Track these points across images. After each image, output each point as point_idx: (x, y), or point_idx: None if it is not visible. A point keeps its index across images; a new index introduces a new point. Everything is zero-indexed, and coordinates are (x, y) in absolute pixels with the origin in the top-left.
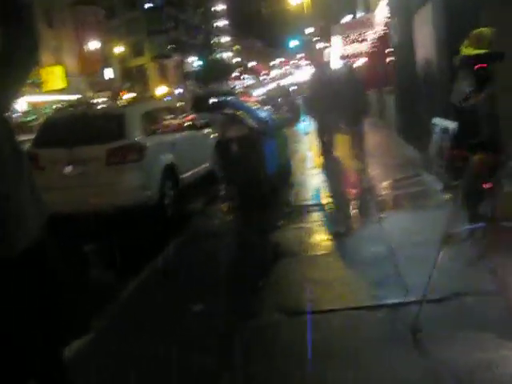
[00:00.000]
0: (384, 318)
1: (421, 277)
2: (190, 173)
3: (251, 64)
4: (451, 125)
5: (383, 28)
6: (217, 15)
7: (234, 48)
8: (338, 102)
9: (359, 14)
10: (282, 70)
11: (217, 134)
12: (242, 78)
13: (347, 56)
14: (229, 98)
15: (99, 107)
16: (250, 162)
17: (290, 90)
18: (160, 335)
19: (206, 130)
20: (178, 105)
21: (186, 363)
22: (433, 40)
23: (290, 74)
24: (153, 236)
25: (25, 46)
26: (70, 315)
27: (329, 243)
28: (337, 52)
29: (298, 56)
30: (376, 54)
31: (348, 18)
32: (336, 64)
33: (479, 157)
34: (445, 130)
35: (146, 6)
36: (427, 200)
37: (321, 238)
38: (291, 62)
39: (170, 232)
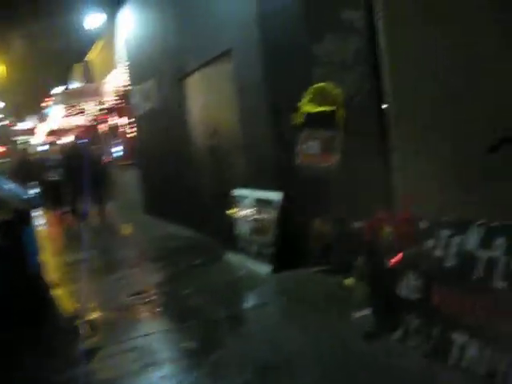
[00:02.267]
0: None
1: None
2: None
3: None
4: (275, 196)
5: (115, 97)
6: None
7: None
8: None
9: (74, 85)
10: None
11: None
12: None
13: (60, 131)
14: None
15: None
16: (17, 256)
17: None
18: None
19: None
20: None
21: None
22: (231, 103)
23: None
24: None
25: None
26: None
27: None
28: (53, 125)
29: None
30: (100, 127)
31: (59, 90)
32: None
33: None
34: (266, 202)
35: None
36: (264, 287)
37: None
38: None
39: None
